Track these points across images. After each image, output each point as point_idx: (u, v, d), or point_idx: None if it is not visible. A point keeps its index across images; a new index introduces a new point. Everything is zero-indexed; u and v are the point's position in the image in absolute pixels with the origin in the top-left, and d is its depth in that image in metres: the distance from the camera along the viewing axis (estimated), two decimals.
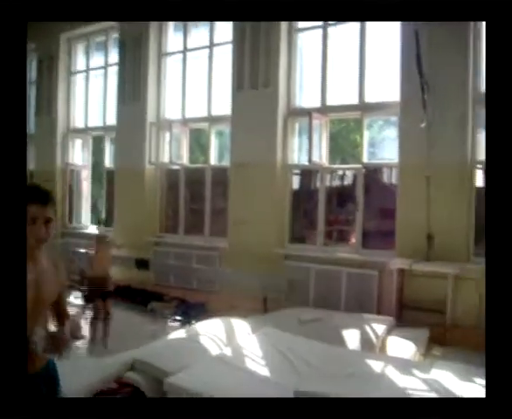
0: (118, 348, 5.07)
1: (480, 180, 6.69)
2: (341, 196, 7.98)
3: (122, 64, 9.38)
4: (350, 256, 7.16)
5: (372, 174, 7.57)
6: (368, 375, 4.40)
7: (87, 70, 10.46)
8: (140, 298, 7.98)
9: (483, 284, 6.03)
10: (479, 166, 6.58)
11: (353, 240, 7.41)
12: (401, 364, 4.74)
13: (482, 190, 6.66)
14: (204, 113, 8.68)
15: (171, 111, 9.19)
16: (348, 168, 7.81)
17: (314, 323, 5.85)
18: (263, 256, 7.44)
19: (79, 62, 10.67)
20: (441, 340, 5.96)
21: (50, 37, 10.10)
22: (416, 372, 4.51)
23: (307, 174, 8.08)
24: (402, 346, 5.52)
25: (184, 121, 8.92)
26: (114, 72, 9.72)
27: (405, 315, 6.32)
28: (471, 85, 6.43)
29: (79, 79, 10.64)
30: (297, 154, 7.90)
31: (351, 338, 5.57)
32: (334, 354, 4.94)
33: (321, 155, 7.42)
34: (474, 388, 4.09)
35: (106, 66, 10.06)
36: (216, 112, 8.58)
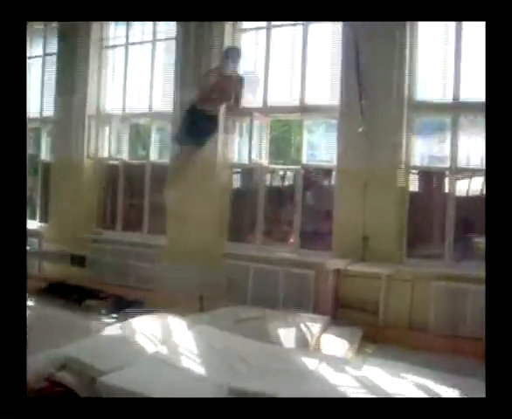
0: (50, 345, 4.94)
1: (413, 184, 6.98)
2: (281, 197, 8.07)
3: (61, 54, 9.14)
4: (289, 255, 7.27)
5: (311, 175, 7.70)
6: (302, 372, 4.49)
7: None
8: (75, 295, 7.81)
9: (415, 284, 6.34)
10: (412, 170, 6.86)
11: (292, 240, 7.51)
12: (334, 361, 4.87)
13: (415, 194, 6.96)
14: (146, 109, 8.58)
15: (111, 105, 9.03)
16: (287, 169, 7.91)
17: (251, 322, 5.90)
18: (202, 254, 7.43)
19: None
20: (374, 338, 6.13)
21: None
22: (348, 369, 4.64)
23: (248, 173, 8.13)
24: (336, 345, 5.66)
25: (125, 116, 8.79)
26: (52, 62, 9.45)
27: (340, 314, 6.47)
28: (406, 93, 6.68)
29: None
30: (237, 153, 7.94)
31: (287, 336, 5.65)
32: (269, 352, 5.01)
33: (262, 155, 7.48)
34: (403, 384, 4.25)
35: (44, 56, 9.75)
36: (157, 108, 8.49)
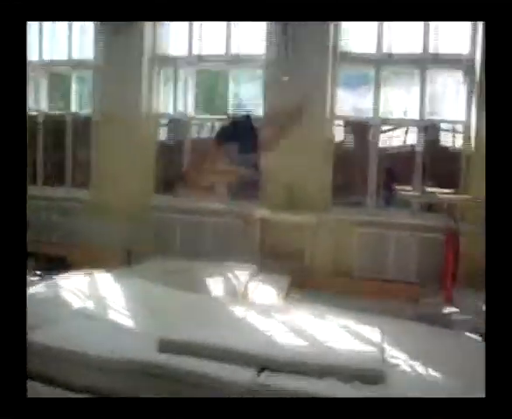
0: None
1: (338, 134, 7.12)
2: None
3: None
4: (216, 206, 7.27)
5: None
6: (231, 321, 4.56)
7: None
8: None
9: (340, 232, 6.53)
10: (338, 120, 6.99)
11: (219, 191, 7.48)
12: (263, 309, 4.96)
13: (340, 144, 7.11)
14: (65, 57, 8.17)
15: (29, 52, 8.51)
16: (213, 119, 7.81)
17: (180, 273, 5.89)
18: (128, 207, 7.30)
19: None
20: (301, 284, 6.28)
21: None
22: (277, 315, 4.75)
23: (174, 124, 7.98)
24: (264, 292, 5.76)
25: (43, 64, 8.34)
26: None
27: (268, 263, 6.55)
28: (331, 45, 6.72)
29: None
30: (163, 103, 7.76)
31: (216, 286, 5.69)
32: (199, 303, 5.04)
33: (188, 105, 7.35)
34: (326, 324, 4.42)
35: None
36: (78, 56, 8.09)
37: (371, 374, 3.29)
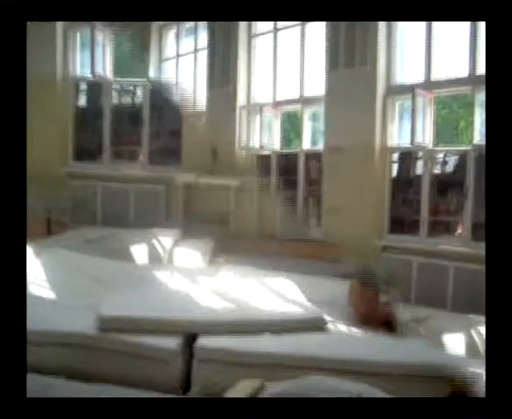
0: None
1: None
2: (128, 115, 7.79)
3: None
4: (137, 172, 7.12)
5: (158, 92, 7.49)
6: (158, 286, 4.56)
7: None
8: None
9: (262, 195, 6.53)
10: None
11: (142, 157, 7.32)
12: (188, 273, 4.98)
13: None
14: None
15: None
16: (133, 83, 7.56)
17: (102, 241, 5.79)
18: (45, 176, 7.01)
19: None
20: (226, 248, 6.29)
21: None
22: (202, 278, 4.78)
23: (93, 89, 7.66)
24: (188, 257, 5.77)
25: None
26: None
27: (192, 227, 6.55)
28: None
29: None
30: (80, 67, 7.44)
31: (140, 253, 5.65)
32: (123, 270, 4.99)
33: (106, 68, 7.02)
34: (250, 283, 4.57)
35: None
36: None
37: (314, 321, 3.59)
